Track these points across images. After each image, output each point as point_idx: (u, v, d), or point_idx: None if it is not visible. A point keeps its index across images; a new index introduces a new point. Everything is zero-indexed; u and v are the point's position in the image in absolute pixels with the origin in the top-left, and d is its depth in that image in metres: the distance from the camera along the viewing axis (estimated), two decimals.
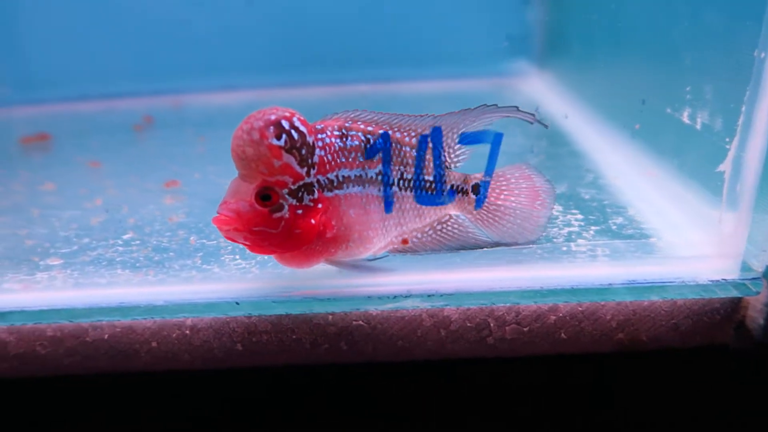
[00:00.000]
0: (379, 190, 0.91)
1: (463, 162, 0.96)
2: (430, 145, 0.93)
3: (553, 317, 0.95)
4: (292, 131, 0.83)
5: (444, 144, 0.94)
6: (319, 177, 0.87)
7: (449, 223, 0.98)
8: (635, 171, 1.30)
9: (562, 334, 0.96)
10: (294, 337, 0.96)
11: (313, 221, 0.87)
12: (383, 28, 2.11)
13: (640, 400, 1.03)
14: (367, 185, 0.91)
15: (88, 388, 1.01)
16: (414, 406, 1.04)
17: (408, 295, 0.92)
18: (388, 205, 0.92)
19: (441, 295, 0.92)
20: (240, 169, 0.85)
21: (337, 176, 0.89)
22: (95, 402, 1.03)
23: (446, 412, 1.03)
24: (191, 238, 1.12)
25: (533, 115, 0.92)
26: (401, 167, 0.92)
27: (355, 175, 0.90)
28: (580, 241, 1.03)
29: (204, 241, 1.11)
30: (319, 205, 0.87)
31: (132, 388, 1.01)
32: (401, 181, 0.92)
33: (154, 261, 1.05)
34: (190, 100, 2.11)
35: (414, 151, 0.93)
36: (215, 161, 1.52)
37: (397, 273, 0.96)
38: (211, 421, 1.03)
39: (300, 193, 0.86)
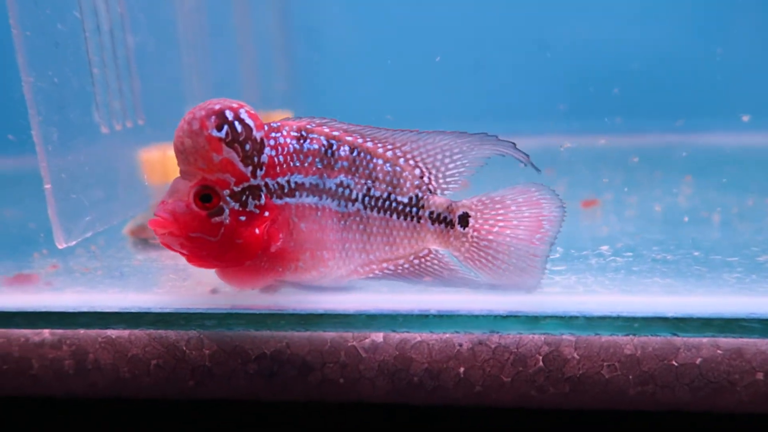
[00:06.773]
0: (339, 204, 0.78)
1: (454, 190, 0.82)
2: (410, 161, 0.79)
3: None
4: (236, 123, 0.74)
5: (430, 165, 0.80)
6: (268, 180, 0.77)
7: (428, 259, 0.82)
8: None
9: None
10: None
11: (257, 231, 0.76)
12: (718, 67, 1.88)
13: None
14: (324, 197, 0.78)
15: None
16: None
17: None
18: (349, 224, 0.78)
19: None
20: (180, 164, 0.77)
21: (288, 182, 0.78)
22: None
23: None
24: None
25: (527, 156, 0.79)
26: (368, 181, 0.77)
27: (311, 183, 0.78)
28: None
29: None
30: (266, 213, 0.77)
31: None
32: (367, 198, 0.77)
33: None
34: None
35: (387, 165, 0.77)
36: None
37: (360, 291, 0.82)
38: None
39: (244, 197, 0.76)
